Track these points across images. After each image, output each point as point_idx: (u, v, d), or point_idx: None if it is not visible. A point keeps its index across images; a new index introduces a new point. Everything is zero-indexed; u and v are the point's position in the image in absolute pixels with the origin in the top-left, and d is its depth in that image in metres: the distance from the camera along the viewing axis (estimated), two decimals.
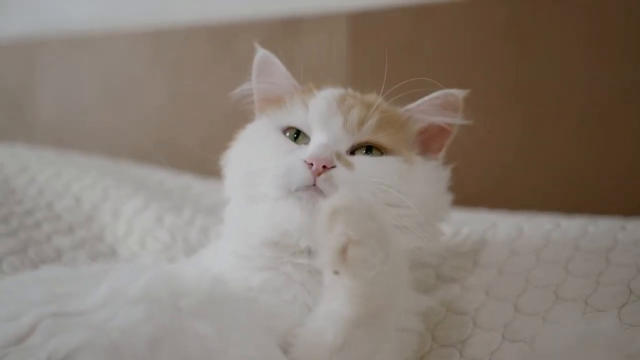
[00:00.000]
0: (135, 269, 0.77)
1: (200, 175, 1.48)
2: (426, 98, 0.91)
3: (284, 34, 1.62)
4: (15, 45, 2.22)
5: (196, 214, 1.24)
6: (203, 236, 1.19)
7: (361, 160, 0.86)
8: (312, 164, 0.82)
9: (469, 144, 1.15)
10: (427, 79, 0.86)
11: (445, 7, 1.45)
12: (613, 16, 1.29)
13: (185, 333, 0.70)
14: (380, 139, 0.87)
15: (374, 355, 0.75)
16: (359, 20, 1.53)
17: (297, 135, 0.89)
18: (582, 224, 1.02)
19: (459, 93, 0.90)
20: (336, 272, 0.71)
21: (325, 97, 0.90)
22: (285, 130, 0.90)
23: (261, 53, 0.95)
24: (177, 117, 1.86)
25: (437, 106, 0.91)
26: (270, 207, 0.85)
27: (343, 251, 0.69)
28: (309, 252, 0.85)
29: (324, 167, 0.82)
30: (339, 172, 0.82)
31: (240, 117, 0.99)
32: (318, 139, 0.86)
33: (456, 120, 0.91)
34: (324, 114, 0.87)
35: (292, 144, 0.88)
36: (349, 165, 0.84)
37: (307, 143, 0.87)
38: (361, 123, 0.87)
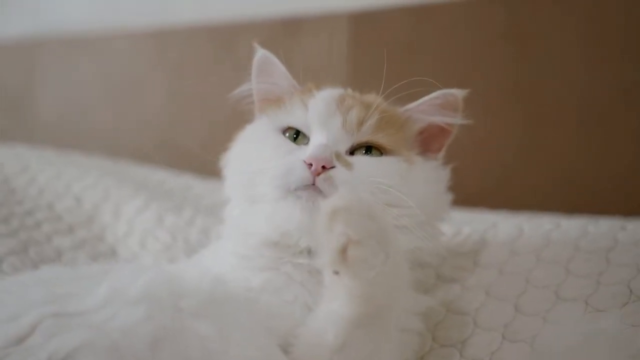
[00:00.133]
0: (135, 269, 0.77)
1: (200, 175, 1.48)
2: (426, 98, 0.91)
3: (284, 34, 1.62)
4: (16, 46, 2.22)
5: (197, 214, 1.24)
6: (203, 236, 1.19)
7: (360, 160, 0.86)
8: (311, 164, 0.82)
9: (469, 144, 1.14)
10: (426, 79, 0.87)
11: (445, 7, 1.45)
12: (613, 16, 1.29)
13: (185, 333, 0.70)
14: (380, 139, 0.88)
15: (374, 355, 0.75)
16: (359, 21, 1.53)
17: (296, 135, 0.89)
18: (582, 224, 1.02)
19: (458, 93, 0.90)
20: (336, 272, 0.71)
21: (324, 98, 0.90)
22: (284, 130, 0.90)
23: (261, 53, 0.95)
24: (178, 117, 1.86)
25: (436, 106, 0.91)
26: (270, 207, 0.85)
27: (343, 251, 0.69)
28: (309, 252, 0.85)
29: (323, 167, 0.82)
30: (338, 173, 0.82)
31: (241, 117, 0.99)
32: (317, 139, 0.86)
33: (456, 120, 0.91)
34: (323, 114, 0.87)
35: (292, 144, 0.88)
36: (348, 166, 0.84)
37: (306, 143, 0.88)
38: (360, 123, 0.87)
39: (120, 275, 0.75)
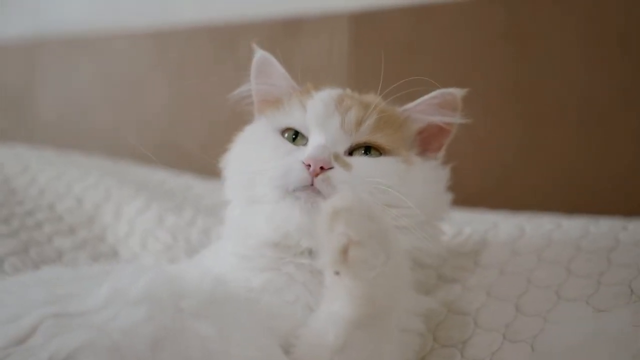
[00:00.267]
0: (136, 270, 0.77)
1: (201, 175, 1.48)
2: (425, 97, 0.91)
3: (285, 34, 1.62)
4: (16, 46, 2.22)
5: (197, 215, 1.25)
6: (204, 236, 1.19)
7: (359, 160, 0.86)
8: (309, 165, 0.82)
9: (469, 144, 1.15)
10: (424, 78, 0.86)
11: (445, 8, 1.45)
12: (613, 16, 1.29)
13: (186, 334, 0.70)
14: (378, 139, 0.88)
15: (375, 356, 0.75)
16: (360, 21, 1.53)
17: (295, 136, 0.90)
18: (583, 224, 1.02)
19: (457, 92, 0.90)
20: (337, 273, 0.71)
21: (322, 98, 0.90)
22: (283, 131, 0.90)
23: (259, 54, 0.95)
24: (178, 117, 1.86)
25: (435, 105, 0.91)
26: (270, 209, 0.85)
27: (344, 252, 0.68)
28: (311, 253, 0.85)
29: (322, 168, 0.82)
30: (337, 173, 0.82)
31: (241, 118, 0.99)
32: (316, 140, 0.86)
33: (455, 119, 0.91)
34: (322, 115, 0.87)
35: (290, 145, 0.88)
36: (346, 166, 0.84)
37: (305, 144, 0.88)
38: (359, 123, 0.87)
39: (121, 275, 0.75)
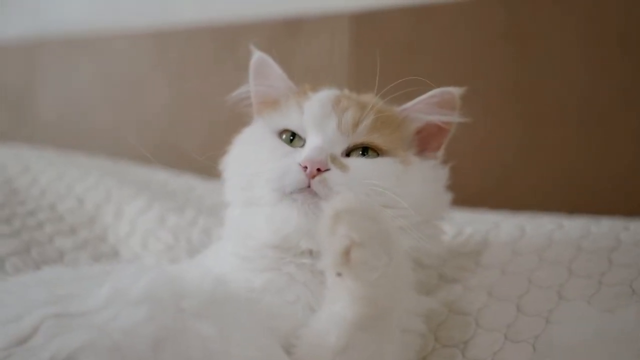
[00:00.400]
0: (137, 270, 0.77)
1: (202, 176, 1.48)
2: (423, 97, 0.90)
3: (286, 34, 1.62)
4: (16, 46, 2.22)
5: (199, 215, 1.24)
6: (205, 237, 1.18)
7: (356, 162, 0.86)
8: (306, 167, 0.82)
9: (470, 144, 1.15)
10: (421, 78, 0.86)
11: (445, 8, 1.45)
12: (613, 16, 1.29)
13: (187, 334, 0.70)
14: (376, 139, 0.87)
15: (376, 356, 0.75)
16: (360, 21, 1.53)
17: (292, 137, 0.90)
18: (584, 224, 1.02)
19: (455, 91, 0.90)
20: (339, 274, 0.71)
21: (319, 99, 0.90)
22: (281, 133, 0.90)
23: (257, 56, 0.95)
24: (179, 118, 1.86)
25: (433, 105, 0.90)
26: (269, 211, 0.85)
27: (346, 253, 0.68)
28: (311, 253, 0.85)
29: (319, 169, 0.82)
30: (333, 175, 0.82)
31: (242, 118, 0.99)
32: (313, 141, 0.86)
33: (453, 118, 0.90)
34: (319, 116, 0.87)
35: (287, 147, 0.88)
36: (343, 168, 0.84)
37: (302, 146, 0.88)
38: (356, 124, 0.87)
39: (122, 275, 0.75)
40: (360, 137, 0.87)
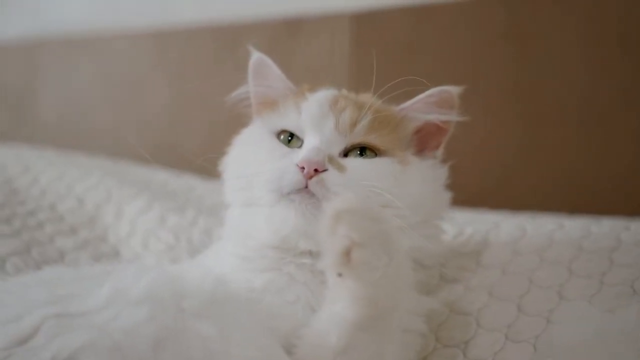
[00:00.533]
0: (137, 270, 0.77)
1: (203, 176, 1.48)
2: (421, 96, 0.90)
3: (286, 34, 1.62)
4: (17, 46, 2.22)
5: (199, 215, 1.24)
6: (206, 237, 1.18)
7: (354, 162, 0.86)
8: (303, 168, 0.82)
9: (470, 144, 1.14)
10: (418, 78, 0.86)
11: (446, 8, 1.45)
12: (613, 16, 1.29)
13: (188, 334, 0.70)
14: (373, 139, 0.87)
15: (377, 356, 0.75)
16: (361, 21, 1.53)
17: (290, 138, 0.90)
18: (585, 224, 1.02)
19: (453, 90, 0.89)
20: (340, 275, 0.71)
21: (317, 100, 0.90)
22: (279, 133, 0.90)
23: (256, 56, 0.95)
24: (179, 118, 1.86)
25: (432, 104, 0.90)
26: (267, 212, 0.85)
27: (346, 254, 0.68)
28: (311, 253, 0.85)
29: (316, 170, 0.82)
30: (331, 176, 0.82)
31: (242, 118, 0.99)
32: (310, 142, 0.86)
33: (452, 117, 0.90)
34: (316, 116, 0.87)
35: (285, 148, 0.88)
36: (340, 168, 0.84)
37: (300, 146, 0.88)
38: (353, 124, 0.87)
39: (123, 275, 0.75)
40: (358, 137, 0.87)
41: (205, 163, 0.90)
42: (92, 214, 1.26)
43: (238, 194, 0.91)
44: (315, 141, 0.86)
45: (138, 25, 1.95)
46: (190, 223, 1.22)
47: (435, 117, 0.91)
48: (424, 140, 0.93)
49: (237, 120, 0.99)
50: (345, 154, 0.87)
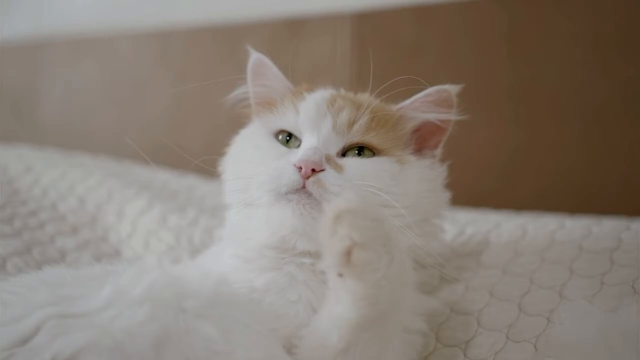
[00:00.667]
0: (138, 270, 0.77)
1: (204, 176, 1.48)
2: (419, 95, 0.90)
3: (288, 34, 1.62)
4: (20, 47, 2.22)
5: (200, 215, 1.25)
6: (207, 237, 1.19)
7: (351, 162, 0.86)
8: (301, 168, 0.82)
9: (472, 144, 1.14)
10: (415, 77, 0.86)
11: (447, 8, 1.45)
12: (613, 17, 1.29)
13: (189, 334, 0.70)
14: (371, 139, 0.87)
15: (378, 356, 0.75)
16: (362, 21, 1.53)
17: (289, 138, 0.89)
18: (586, 224, 1.02)
19: (451, 89, 0.89)
20: (340, 275, 0.70)
21: (314, 100, 0.90)
22: (277, 133, 0.90)
23: (254, 56, 0.95)
24: (182, 117, 1.86)
25: (430, 103, 0.90)
26: (265, 212, 0.85)
27: (347, 254, 0.68)
28: (310, 253, 0.85)
29: (313, 170, 0.82)
30: (328, 176, 0.82)
31: (243, 118, 0.99)
32: (308, 142, 0.86)
33: (450, 116, 0.90)
34: (314, 116, 0.87)
35: (283, 148, 0.89)
36: (338, 168, 0.84)
37: (298, 146, 0.88)
38: (351, 124, 0.87)
39: (124, 275, 0.75)
40: (356, 137, 0.87)
41: (202, 164, 0.90)
42: (93, 214, 1.26)
43: (237, 195, 0.91)
44: (312, 141, 0.86)
45: (141, 26, 1.95)
46: (191, 223, 1.22)
47: (433, 116, 0.91)
48: (422, 139, 0.93)
49: (239, 120, 0.99)
50: (344, 153, 0.87)
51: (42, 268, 0.84)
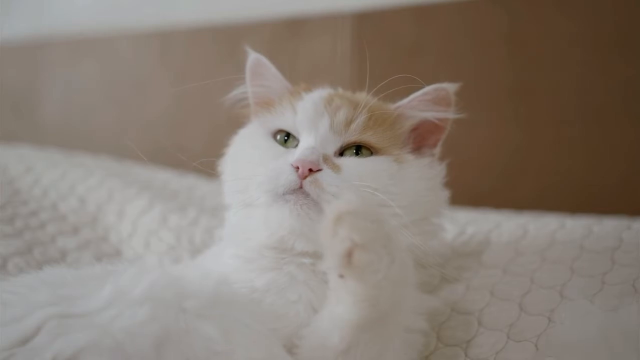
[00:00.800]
0: (139, 270, 0.77)
1: (205, 176, 1.48)
2: (417, 94, 0.90)
3: (288, 34, 1.62)
4: (20, 47, 2.23)
5: (201, 215, 1.25)
6: (208, 237, 1.19)
7: (349, 161, 0.86)
8: (298, 168, 0.82)
9: (472, 143, 1.14)
10: (412, 76, 0.86)
11: (446, 8, 1.45)
12: (614, 17, 1.29)
13: (190, 334, 0.70)
14: (369, 138, 0.87)
15: (380, 356, 0.75)
16: (363, 21, 1.53)
17: (287, 137, 0.89)
18: (586, 223, 1.02)
19: (449, 87, 0.89)
20: (341, 276, 0.70)
21: (312, 99, 0.90)
22: (275, 133, 0.90)
23: (253, 57, 0.95)
24: (182, 118, 1.86)
25: (428, 101, 0.90)
26: (264, 213, 0.85)
27: (348, 255, 0.68)
28: (309, 253, 0.85)
29: (310, 170, 0.81)
30: (325, 176, 0.82)
31: (242, 119, 0.99)
32: (306, 141, 0.86)
33: (448, 114, 0.90)
34: (311, 116, 0.87)
35: (280, 148, 0.88)
36: (335, 168, 0.84)
37: (296, 146, 0.88)
38: (348, 123, 0.87)
39: (124, 275, 0.75)
40: (353, 136, 0.87)
41: (201, 167, 0.90)
42: (94, 214, 1.26)
43: (236, 195, 0.91)
44: (310, 141, 0.86)
45: (141, 26, 1.95)
46: (192, 223, 1.22)
47: (431, 114, 0.90)
48: (421, 138, 0.92)
49: (238, 120, 0.99)
50: (342, 153, 0.87)
51: (42, 268, 0.84)
